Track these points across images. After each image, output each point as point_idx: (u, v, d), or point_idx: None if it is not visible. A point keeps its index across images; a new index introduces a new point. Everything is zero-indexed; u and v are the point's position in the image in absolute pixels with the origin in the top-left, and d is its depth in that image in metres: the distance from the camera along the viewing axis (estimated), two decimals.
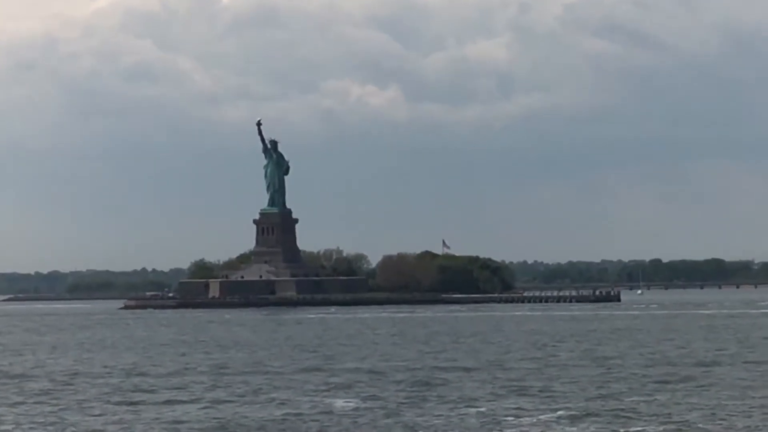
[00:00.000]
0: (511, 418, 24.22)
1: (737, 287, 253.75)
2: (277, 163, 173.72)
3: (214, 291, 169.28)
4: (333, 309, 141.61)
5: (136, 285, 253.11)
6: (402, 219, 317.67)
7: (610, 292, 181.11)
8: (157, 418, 25.81)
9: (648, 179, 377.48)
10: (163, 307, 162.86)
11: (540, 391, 30.78)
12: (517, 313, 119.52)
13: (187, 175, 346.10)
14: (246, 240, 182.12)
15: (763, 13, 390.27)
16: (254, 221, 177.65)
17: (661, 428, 22.49)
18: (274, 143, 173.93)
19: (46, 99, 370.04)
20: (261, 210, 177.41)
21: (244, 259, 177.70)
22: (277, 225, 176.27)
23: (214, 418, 25.45)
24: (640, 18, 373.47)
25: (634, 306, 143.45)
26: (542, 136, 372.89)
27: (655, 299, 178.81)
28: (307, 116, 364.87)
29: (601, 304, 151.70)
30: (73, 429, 24.36)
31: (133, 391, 32.98)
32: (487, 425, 23.31)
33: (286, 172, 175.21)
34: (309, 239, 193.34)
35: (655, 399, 29.13)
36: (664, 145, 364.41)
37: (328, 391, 31.82)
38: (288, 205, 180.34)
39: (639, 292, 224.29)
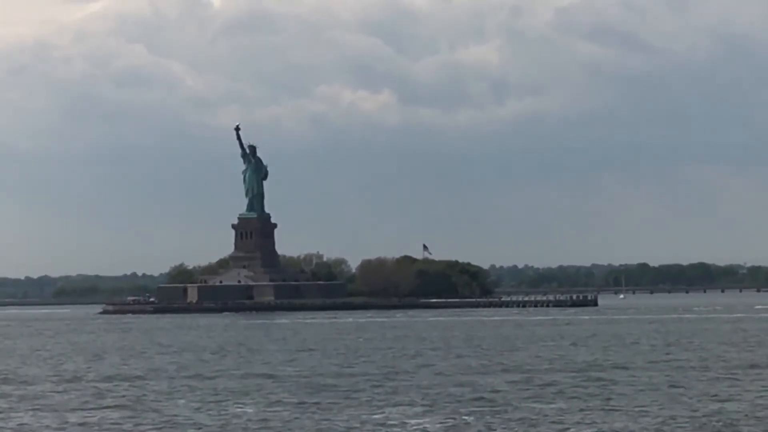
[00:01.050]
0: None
1: (722, 291, 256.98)
2: (255, 169, 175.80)
3: (192, 296, 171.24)
4: (311, 315, 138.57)
5: (122, 290, 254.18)
6: (387, 223, 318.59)
7: (587, 296, 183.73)
8: None
9: (639, 183, 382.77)
10: (142, 312, 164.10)
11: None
12: (484, 318, 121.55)
13: (178, 179, 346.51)
14: (226, 245, 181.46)
15: (753, 17, 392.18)
16: (232, 226, 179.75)
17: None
18: (253, 148, 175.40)
19: (36, 103, 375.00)
20: (239, 215, 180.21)
21: (222, 264, 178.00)
22: (255, 230, 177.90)
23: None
24: (631, 21, 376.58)
25: (608, 311, 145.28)
26: (534, 140, 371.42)
27: (634, 304, 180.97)
28: (298, 121, 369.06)
29: (579, 309, 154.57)
30: None
31: None
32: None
33: (265, 177, 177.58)
34: (290, 244, 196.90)
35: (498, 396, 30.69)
36: (654, 149, 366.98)
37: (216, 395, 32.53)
38: (270, 210, 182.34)
39: (621, 296, 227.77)
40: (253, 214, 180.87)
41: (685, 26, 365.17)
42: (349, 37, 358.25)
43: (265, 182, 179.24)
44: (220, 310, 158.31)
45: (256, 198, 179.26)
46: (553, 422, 25.95)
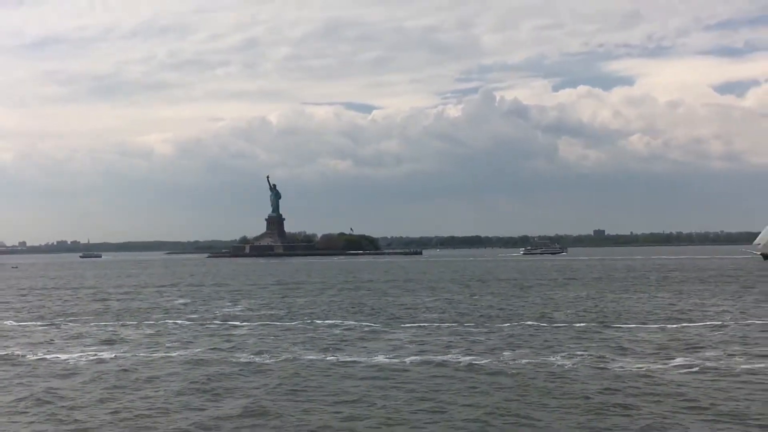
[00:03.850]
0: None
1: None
2: (275, 194, 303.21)
3: (248, 250, 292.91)
4: (300, 259, 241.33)
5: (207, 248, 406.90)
6: (335, 216, 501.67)
7: (418, 251, 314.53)
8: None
9: None
10: (236, 256, 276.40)
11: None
12: (377, 261, 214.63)
13: (247, 197, 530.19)
14: (263, 228, 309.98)
15: None
16: (265, 219, 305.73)
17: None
18: (274, 185, 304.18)
19: None
20: (268, 214, 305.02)
21: (260, 237, 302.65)
22: (275, 221, 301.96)
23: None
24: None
25: (424, 258, 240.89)
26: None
27: (442, 254, 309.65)
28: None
29: (412, 257, 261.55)
30: None
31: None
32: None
33: (279, 197, 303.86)
34: (290, 227, 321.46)
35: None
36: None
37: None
38: (282, 212, 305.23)
39: (438, 251, 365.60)
40: (274, 214, 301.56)
41: None
42: None
43: (280, 200, 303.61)
44: (258, 256, 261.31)
45: (275, 207, 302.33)
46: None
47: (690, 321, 43.83)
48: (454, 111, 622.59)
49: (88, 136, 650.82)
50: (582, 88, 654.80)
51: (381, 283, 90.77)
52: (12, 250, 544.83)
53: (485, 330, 40.43)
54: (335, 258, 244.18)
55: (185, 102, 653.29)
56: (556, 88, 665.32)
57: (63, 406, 22.71)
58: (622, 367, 27.84)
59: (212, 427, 19.97)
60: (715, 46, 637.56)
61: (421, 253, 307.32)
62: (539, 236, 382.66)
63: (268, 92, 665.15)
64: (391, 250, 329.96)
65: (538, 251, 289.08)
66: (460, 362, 29.63)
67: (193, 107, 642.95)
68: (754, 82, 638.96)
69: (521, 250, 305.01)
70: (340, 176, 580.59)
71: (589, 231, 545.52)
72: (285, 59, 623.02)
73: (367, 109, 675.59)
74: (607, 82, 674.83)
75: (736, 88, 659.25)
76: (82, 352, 34.40)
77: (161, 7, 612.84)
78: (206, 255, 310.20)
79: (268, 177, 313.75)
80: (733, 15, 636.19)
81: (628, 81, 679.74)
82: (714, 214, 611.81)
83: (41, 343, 37.80)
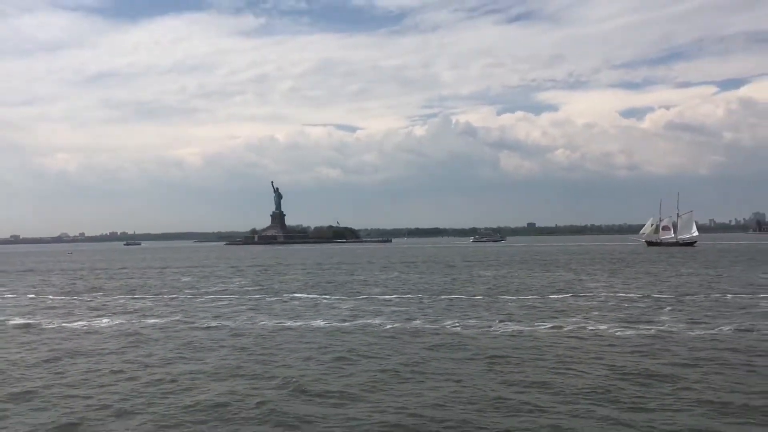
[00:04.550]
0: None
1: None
2: (278, 195, 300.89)
3: (257, 239, 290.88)
4: (296, 246, 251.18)
5: (220, 237, 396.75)
6: (325, 211, 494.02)
7: (388, 239, 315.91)
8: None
9: None
10: (246, 243, 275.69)
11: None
12: (354, 248, 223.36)
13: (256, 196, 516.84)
14: (268, 221, 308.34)
15: None
16: (270, 215, 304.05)
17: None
18: (277, 189, 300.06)
19: None
20: (272, 211, 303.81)
21: (267, 229, 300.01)
22: (277, 216, 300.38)
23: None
24: None
25: (393, 245, 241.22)
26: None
27: (412, 242, 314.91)
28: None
29: (381, 244, 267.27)
30: None
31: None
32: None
33: (281, 198, 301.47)
34: (289, 221, 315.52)
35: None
36: None
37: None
38: (283, 209, 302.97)
39: (405, 239, 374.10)
40: (277, 211, 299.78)
41: None
42: None
43: (281, 200, 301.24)
44: (264, 244, 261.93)
45: (278, 205, 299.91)
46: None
47: (572, 293, 43.74)
48: (419, 131, 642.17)
49: (134, 150, 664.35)
50: (519, 113, 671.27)
51: (347, 264, 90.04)
52: (73, 239, 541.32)
53: (410, 300, 40.17)
54: (324, 245, 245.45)
55: (210, 123, 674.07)
56: (499, 113, 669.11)
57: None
58: (499, 328, 27.96)
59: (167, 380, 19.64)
60: (620, 81, 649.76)
61: (390, 241, 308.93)
62: (485, 228, 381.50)
63: (275, 116, 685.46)
64: (368, 239, 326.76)
65: (484, 239, 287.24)
66: (380, 325, 29.63)
67: (217, 128, 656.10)
68: (650, 109, 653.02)
69: (471, 239, 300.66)
70: (332, 181, 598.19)
71: (523, 224, 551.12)
72: (289, 90, 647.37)
73: (352, 129, 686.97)
74: (538, 109, 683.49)
75: (636, 113, 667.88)
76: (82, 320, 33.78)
77: (192, 49, 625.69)
78: (224, 243, 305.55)
79: (272, 182, 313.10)
80: (633, 58, 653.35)
81: (554, 108, 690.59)
82: (619, 210, 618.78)
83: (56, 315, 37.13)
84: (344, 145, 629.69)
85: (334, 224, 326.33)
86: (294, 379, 18.42)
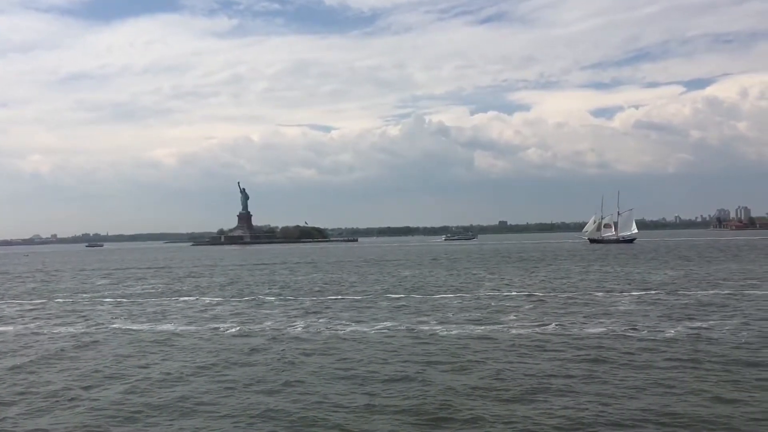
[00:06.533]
0: None
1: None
2: (245, 195, 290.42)
3: (223, 240, 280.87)
4: (263, 246, 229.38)
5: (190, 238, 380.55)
6: (294, 212, 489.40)
7: (355, 239, 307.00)
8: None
9: None
10: (209, 244, 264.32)
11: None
12: (327, 247, 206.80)
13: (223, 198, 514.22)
14: (235, 222, 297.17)
15: None
16: (237, 215, 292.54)
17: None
18: (243, 189, 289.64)
19: None
20: (239, 211, 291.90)
21: (234, 229, 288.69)
22: (244, 217, 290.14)
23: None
24: None
25: (363, 243, 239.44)
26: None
27: (381, 241, 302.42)
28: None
29: (350, 242, 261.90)
30: None
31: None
32: None
33: (248, 198, 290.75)
34: (256, 221, 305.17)
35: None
36: None
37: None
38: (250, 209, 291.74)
39: (375, 238, 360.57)
40: (244, 211, 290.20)
41: None
42: None
43: (248, 201, 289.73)
44: (230, 244, 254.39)
45: (244, 205, 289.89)
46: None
47: (501, 290, 42.99)
48: (393, 131, 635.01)
49: (109, 151, 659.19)
50: (491, 113, 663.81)
51: (303, 264, 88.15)
52: (45, 241, 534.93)
53: (352, 300, 39.37)
54: (291, 245, 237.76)
55: (185, 124, 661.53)
56: (471, 113, 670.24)
57: None
58: (415, 328, 27.52)
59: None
60: (590, 81, 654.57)
61: (356, 240, 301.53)
62: (456, 226, 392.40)
63: (250, 117, 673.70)
64: (335, 238, 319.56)
65: (455, 238, 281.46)
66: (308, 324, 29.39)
67: (192, 128, 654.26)
68: (619, 108, 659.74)
69: (443, 237, 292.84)
70: (306, 181, 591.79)
71: (494, 222, 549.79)
72: (263, 91, 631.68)
73: (327, 129, 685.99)
74: (510, 108, 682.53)
75: (605, 113, 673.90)
76: None
77: (166, 51, 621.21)
78: (191, 244, 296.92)
79: (239, 183, 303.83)
80: (602, 59, 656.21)
81: (526, 108, 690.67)
82: (589, 207, 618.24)
83: None
84: (319, 145, 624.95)
85: (302, 224, 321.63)
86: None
